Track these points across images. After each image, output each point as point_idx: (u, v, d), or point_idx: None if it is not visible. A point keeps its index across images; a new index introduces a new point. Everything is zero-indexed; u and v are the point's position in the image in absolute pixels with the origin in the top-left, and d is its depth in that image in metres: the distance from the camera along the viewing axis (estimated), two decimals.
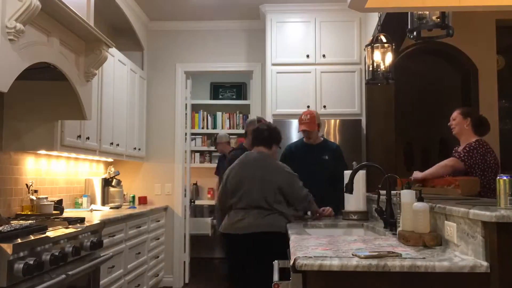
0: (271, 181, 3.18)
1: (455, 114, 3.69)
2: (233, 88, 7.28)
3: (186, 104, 5.80)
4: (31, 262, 2.16)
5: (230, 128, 6.94)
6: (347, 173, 3.04)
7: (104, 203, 4.64)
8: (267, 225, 3.09)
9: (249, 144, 3.82)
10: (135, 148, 5.18)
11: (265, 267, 2.68)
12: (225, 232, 3.25)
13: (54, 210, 3.55)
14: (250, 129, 3.85)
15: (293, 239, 2.21)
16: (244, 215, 3.15)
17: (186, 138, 5.78)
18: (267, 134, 3.36)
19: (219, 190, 3.45)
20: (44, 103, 3.28)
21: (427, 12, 2.48)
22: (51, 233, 2.50)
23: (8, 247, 2.05)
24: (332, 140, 4.65)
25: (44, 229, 2.52)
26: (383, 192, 2.72)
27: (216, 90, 7.30)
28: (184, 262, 5.59)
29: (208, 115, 7.04)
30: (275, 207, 3.15)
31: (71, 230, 2.72)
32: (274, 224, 3.09)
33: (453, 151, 3.77)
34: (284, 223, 3.10)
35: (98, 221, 3.20)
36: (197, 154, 7.14)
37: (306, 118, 3.74)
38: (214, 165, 6.62)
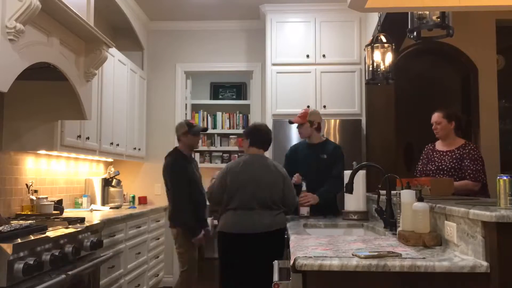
0: (276, 183, 3.32)
1: (439, 118, 3.65)
2: (233, 88, 7.27)
3: (186, 104, 5.80)
4: (31, 262, 2.16)
5: (230, 128, 6.93)
6: (347, 173, 3.04)
7: (104, 203, 4.64)
8: (280, 223, 3.25)
9: (183, 147, 4.00)
10: (135, 148, 5.18)
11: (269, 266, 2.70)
12: (238, 233, 3.31)
13: (54, 210, 3.55)
14: (181, 133, 3.99)
15: (293, 239, 2.21)
16: (258, 215, 3.24)
17: None
18: (266, 137, 3.49)
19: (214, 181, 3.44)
20: (44, 103, 3.29)
21: (427, 12, 2.48)
22: (51, 233, 2.50)
23: (8, 247, 2.05)
24: (332, 140, 4.65)
25: (44, 229, 2.52)
26: (383, 192, 2.72)
27: (216, 90, 7.30)
28: None
29: (208, 115, 7.03)
30: (280, 206, 3.33)
31: (71, 230, 2.72)
32: (282, 222, 3.27)
33: (426, 149, 3.78)
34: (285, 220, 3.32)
35: (98, 221, 3.21)
36: (197, 154, 7.14)
37: (299, 113, 3.82)
38: (214, 165, 6.63)
